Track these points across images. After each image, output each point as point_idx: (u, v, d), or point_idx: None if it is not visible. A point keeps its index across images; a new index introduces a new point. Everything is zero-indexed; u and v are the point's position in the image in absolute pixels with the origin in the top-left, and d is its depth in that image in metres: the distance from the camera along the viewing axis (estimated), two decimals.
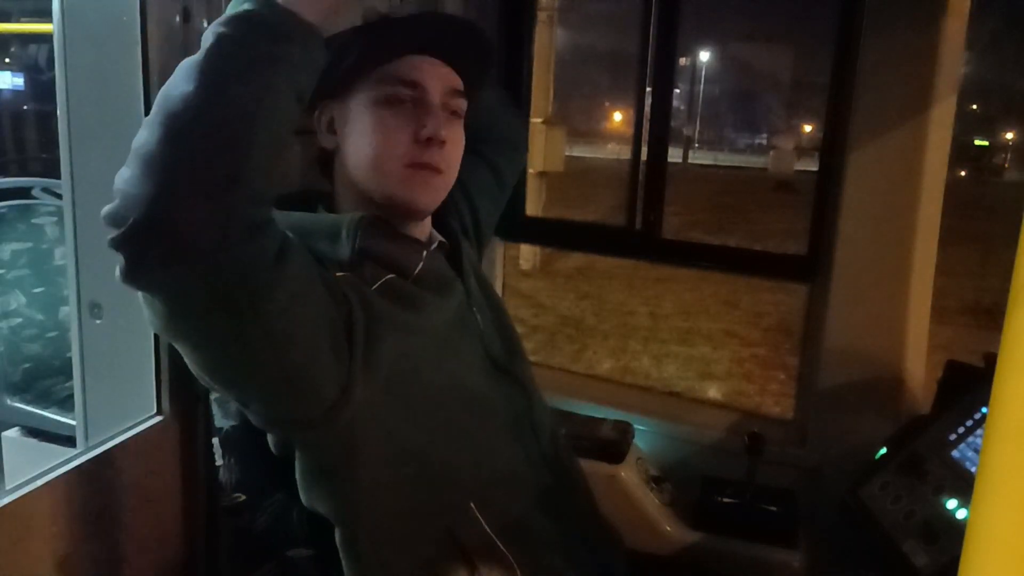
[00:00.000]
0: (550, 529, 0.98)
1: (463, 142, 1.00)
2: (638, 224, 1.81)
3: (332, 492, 0.87)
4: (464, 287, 1.03)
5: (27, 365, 2.33)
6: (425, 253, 0.97)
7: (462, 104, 0.99)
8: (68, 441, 1.69)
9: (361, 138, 0.94)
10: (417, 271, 0.95)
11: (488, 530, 0.90)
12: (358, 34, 0.94)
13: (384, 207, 0.95)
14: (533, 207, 5.74)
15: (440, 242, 1.04)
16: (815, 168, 1.62)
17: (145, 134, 0.67)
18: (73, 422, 1.21)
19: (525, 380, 1.07)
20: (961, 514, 1.11)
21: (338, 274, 0.86)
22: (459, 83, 0.98)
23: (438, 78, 0.95)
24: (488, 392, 0.99)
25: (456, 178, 1.00)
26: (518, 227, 2.00)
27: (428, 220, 1.04)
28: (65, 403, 2.20)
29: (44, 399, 2.26)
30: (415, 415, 0.88)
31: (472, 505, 0.90)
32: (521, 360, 1.10)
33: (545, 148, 6.90)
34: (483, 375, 1.00)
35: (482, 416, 0.97)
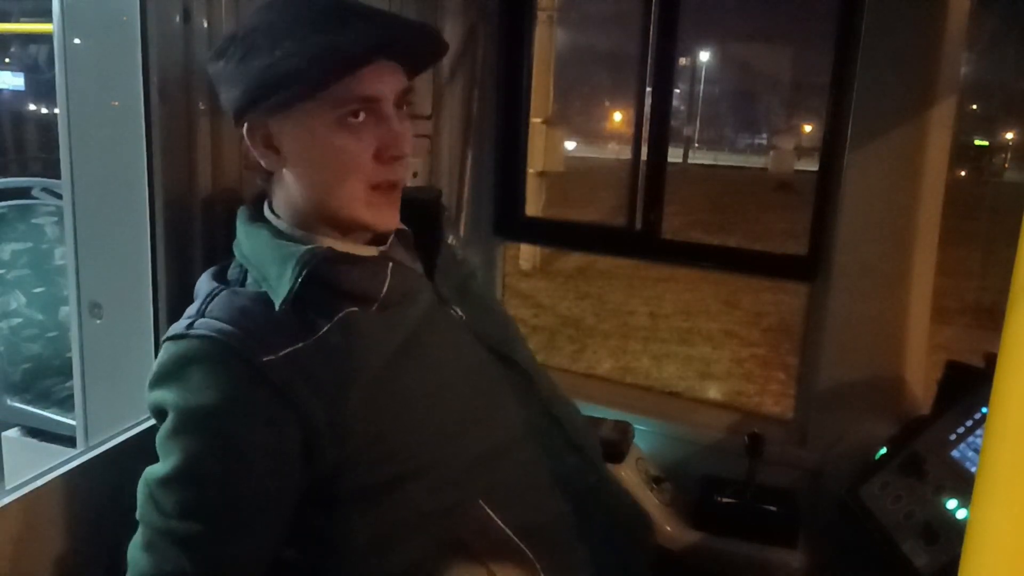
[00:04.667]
0: (572, 519, 0.95)
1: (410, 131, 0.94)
2: (638, 224, 1.81)
3: (328, 532, 0.88)
4: (435, 287, 0.98)
5: (27, 365, 2.34)
6: (391, 267, 0.92)
7: (412, 96, 0.93)
8: (68, 441, 1.69)
9: (317, 162, 0.88)
10: (383, 294, 0.90)
11: (501, 525, 0.88)
12: (299, 40, 0.83)
13: (343, 228, 0.92)
14: (533, 207, 5.74)
15: (402, 231, 0.99)
16: (815, 168, 1.62)
17: None
18: (73, 422, 1.21)
19: (529, 366, 1.03)
20: (961, 514, 1.10)
21: (268, 358, 0.81)
22: (406, 82, 0.91)
23: (393, 84, 0.88)
24: (492, 384, 0.97)
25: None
26: (518, 227, 1.99)
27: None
28: (65, 403, 2.20)
29: (44, 399, 2.26)
30: (402, 434, 0.87)
31: (481, 502, 0.88)
32: (521, 346, 1.07)
33: (545, 148, 6.90)
34: (481, 368, 0.97)
35: (486, 410, 0.95)
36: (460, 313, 1.00)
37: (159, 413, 0.84)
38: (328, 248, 0.89)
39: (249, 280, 0.90)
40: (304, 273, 0.83)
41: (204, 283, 0.93)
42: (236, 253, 0.95)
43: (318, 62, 0.82)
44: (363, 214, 0.90)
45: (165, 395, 0.82)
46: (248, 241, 0.92)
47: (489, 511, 0.88)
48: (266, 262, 0.88)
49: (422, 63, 0.96)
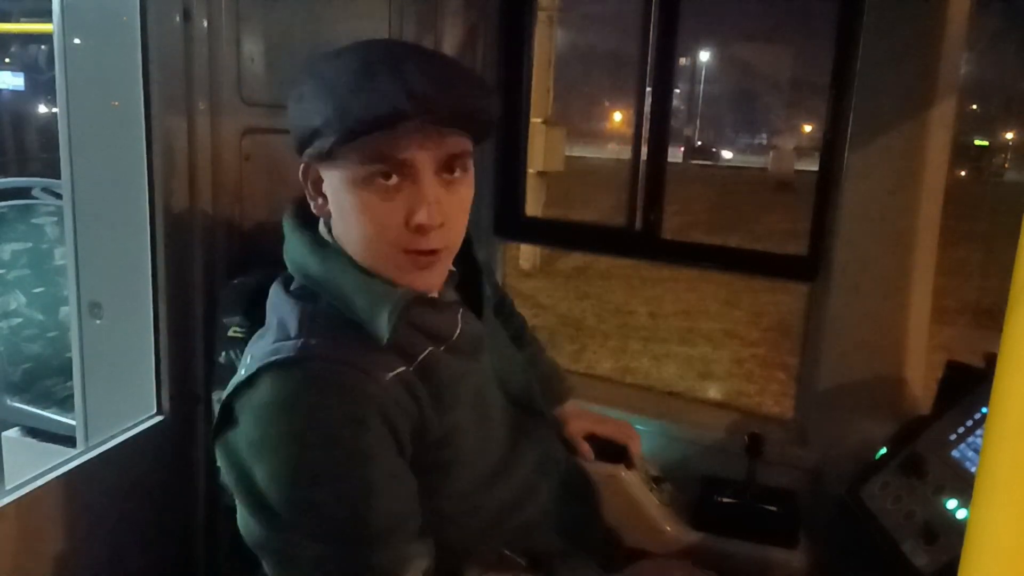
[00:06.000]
0: (571, 554, 1.00)
1: (470, 197, 0.89)
2: (638, 224, 1.81)
3: None
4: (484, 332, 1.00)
5: (27, 365, 2.33)
6: (461, 312, 0.93)
7: (467, 162, 0.86)
8: (68, 441, 1.69)
9: (349, 218, 0.84)
10: (454, 338, 0.91)
11: (522, 564, 0.92)
12: (338, 93, 0.79)
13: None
14: (533, 207, 5.74)
15: (451, 271, 0.98)
16: (815, 168, 1.62)
17: None
18: (73, 422, 1.21)
19: (545, 412, 1.08)
20: (961, 514, 1.10)
21: (386, 378, 0.82)
22: (460, 145, 0.84)
23: (432, 149, 0.81)
24: (512, 433, 0.99)
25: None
26: (518, 227, 1.99)
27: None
28: (65, 403, 2.20)
29: (44, 399, 2.26)
30: (445, 475, 0.89)
31: (505, 551, 0.92)
32: (537, 392, 1.10)
33: (545, 148, 6.91)
34: (504, 418, 0.99)
35: (508, 460, 0.96)
36: (492, 360, 1.01)
37: (284, 444, 0.78)
38: (415, 293, 0.87)
39: (323, 300, 0.87)
40: (401, 317, 0.83)
41: (283, 300, 0.88)
42: (292, 268, 0.91)
43: (339, 119, 0.78)
44: (395, 275, 0.86)
45: (290, 427, 0.78)
46: (322, 267, 0.87)
47: (512, 556, 0.93)
48: (350, 294, 0.85)
49: (473, 126, 0.85)
